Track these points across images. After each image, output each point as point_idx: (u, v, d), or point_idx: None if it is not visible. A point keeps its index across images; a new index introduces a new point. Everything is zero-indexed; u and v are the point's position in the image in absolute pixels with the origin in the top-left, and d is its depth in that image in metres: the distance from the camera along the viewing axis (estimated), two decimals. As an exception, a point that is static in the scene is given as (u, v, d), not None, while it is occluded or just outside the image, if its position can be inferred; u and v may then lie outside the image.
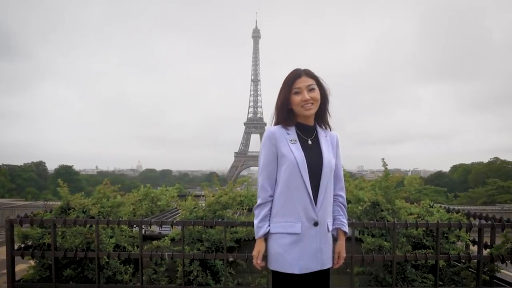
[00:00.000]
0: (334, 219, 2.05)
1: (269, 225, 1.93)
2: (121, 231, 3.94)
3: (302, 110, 1.94)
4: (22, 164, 70.66)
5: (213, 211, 3.82)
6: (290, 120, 1.99)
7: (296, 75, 1.97)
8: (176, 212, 5.65)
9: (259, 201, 1.96)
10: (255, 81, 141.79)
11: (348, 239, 2.46)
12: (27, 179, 65.09)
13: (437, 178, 60.82)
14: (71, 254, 3.50)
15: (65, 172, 68.84)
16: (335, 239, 2.05)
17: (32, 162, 73.39)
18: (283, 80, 2.01)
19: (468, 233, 3.80)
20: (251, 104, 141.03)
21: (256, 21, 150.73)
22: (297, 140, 1.94)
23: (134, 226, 4.12)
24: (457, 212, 4.40)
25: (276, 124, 2.03)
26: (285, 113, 1.97)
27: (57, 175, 69.12)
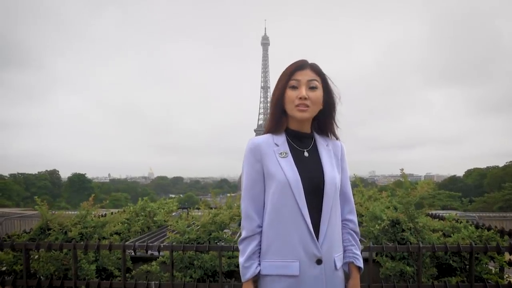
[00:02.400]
0: (344, 251, 1.57)
1: (258, 265, 1.48)
2: (109, 251, 3.51)
3: (294, 110, 1.51)
4: (37, 173, 71.61)
5: (208, 232, 3.34)
6: (279, 125, 1.57)
7: (298, 65, 1.53)
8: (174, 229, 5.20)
9: (244, 234, 1.51)
10: (265, 88, 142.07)
11: (365, 261, 1.87)
12: (41, 187, 65.97)
13: (451, 183, 59.84)
14: (45, 283, 3.06)
15: (78, 180, 69.64)
16: (346, 277, 1.56)
17: (46, 171, 74.39)
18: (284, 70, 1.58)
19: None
20: (261, 111, 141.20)
21: (265, 28, 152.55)
22: (289, 152, 1.52)
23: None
24: (488, 228, 3.84)
25: (268, 130, 1.60)
26: (279, 114, 1.56)
27: (70, 183, 70.05)
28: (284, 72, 1.55)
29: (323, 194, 1.46)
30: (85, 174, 74.13)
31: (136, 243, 3.05)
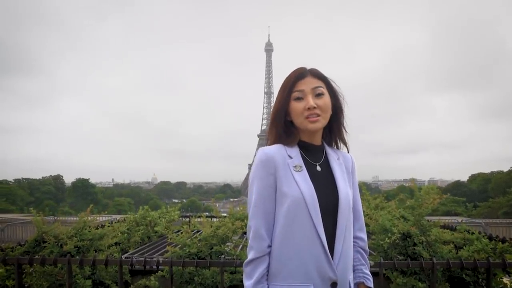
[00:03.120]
0: (354, 270, 1.46)
1: None
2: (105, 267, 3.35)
3: (305, 122, 1.39)
4: (41, 178, 71.85)
5: (209, 246, 3.18)
6: (291, 137, 1.44)
7: (299, 74, 1.42)
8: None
9: (251, 255, 1.35)
10: (268, 93, 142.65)
11: (374, 275, 1.70)
12: (45, 192, 66.19)
13: (455, 188, 59.53)
14: (38, 300, 2.91)
15: (82, 185, 69.77)
16: None
17: (50, 176, 74.66)
18: (284, 79, 1.47)
19: None
20: (265, 116, 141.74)
21: (269, 34, 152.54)
22: (303, 166, 1.39)
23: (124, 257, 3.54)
24: (503, 240, 3.66)
25: (274, 141, 1.47)
26: (283, 126, 1.44)
27: (74, 188, 70.16)
28: (284, 84, 1.44)
29: (337, 213, 1.35)
30: (89, 179, 74.29)
31: (134, 258, 2.90)
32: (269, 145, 1.48)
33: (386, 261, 2.82)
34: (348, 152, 1.55)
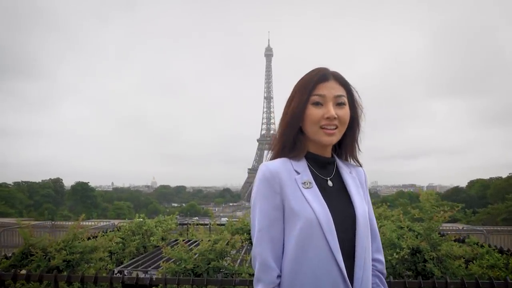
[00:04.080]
0: None
1: None
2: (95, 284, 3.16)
3: (320, 133, 1.20)
4: (40, 181, 71.63)
5: (207, 261, 2.99)
6: (299, 149, 1.25)
7: (320, 76, 1.22)
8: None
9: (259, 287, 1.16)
10: (268, 98, 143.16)
11: None
12: (44, 196, 65.99)
13: (454, 194, 59.77)
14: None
15: (81, 189, 69.67)
16: None
17: (50, 179, 74.48)
18: (297, 82, 1.27)
19: None
20: (264, 121, 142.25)
21: (269, 39, 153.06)
22: (313, 181, 1.20)
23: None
24: None
25: (277, 154, 1.28)
26: (294, 135, 1.24)
27: (74, 192, 69.99)
28: (302, 84, 1.23)
29: (355, 233, 1.17)
30: (88, 182, 74.07)
31: (126, 274, 2.71)
32: (272, 157, 1.30)
33: (396, 280, 2.63)
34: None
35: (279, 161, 1.23)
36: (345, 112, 1.22)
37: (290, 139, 1.24)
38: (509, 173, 54.23)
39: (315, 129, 1.21)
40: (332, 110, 1.18)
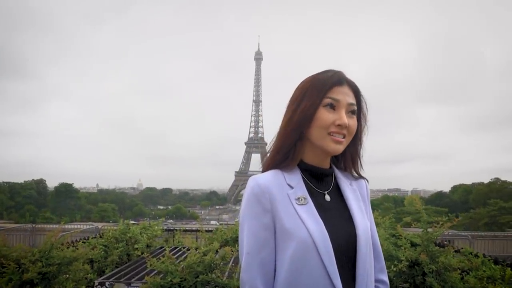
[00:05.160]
0: None
1: None
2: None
3: (327, 140, 1.07)
4: (23, 182, 69.83)
5: (195, 274, 2.96)
6: (292, 158, 1.12)
7: (336, 79, 1.10)
8: (161, 255, 4.81)
9: None
10: (257, 101, 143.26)
11: None
12: (26, 197, 64.29)
13: (437, 198, 60.94)
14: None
15: (65, 190, 68.35)
16: None
17: (33, 180, 72.63)
18: (305, 82, 1.14)
19: None
20: (252, 124, 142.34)
21: (259, 43, 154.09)
22: (308, 197, 1.08)
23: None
24: (511, 265, 3.50)
25: (273, 163, 1.14)
26: (296, 140, 1.11)
27: (57, 193, 68.55)
28: (315, 83, 1.10)
29: (355, 253, 1.05)
30: (73, 184, 72.72)
31: (107, 287, 2.68)
32: (266, 166, 1.16)
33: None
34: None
35: (270, 174, 1.11)
36: (355, 122, 1.11)
37: (292, 143, 1.11)
38: (491, 179, 55.62)
39: (323, 134, 1.07)
40: (344, 118, 1.06)
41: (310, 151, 1.13)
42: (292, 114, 1.10)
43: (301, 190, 1.08)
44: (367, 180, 1.26)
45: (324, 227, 1.02)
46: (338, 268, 1.01)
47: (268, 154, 1.18)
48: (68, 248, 3.63)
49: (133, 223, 6.12)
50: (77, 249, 3.69)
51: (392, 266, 3.01)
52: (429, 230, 3.26)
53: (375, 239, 1.19)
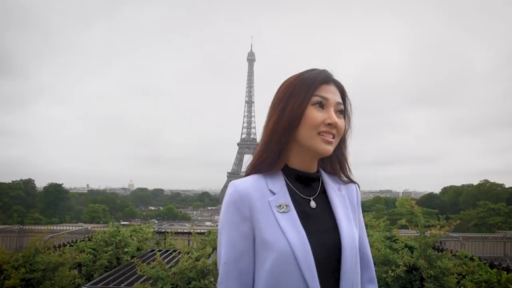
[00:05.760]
0: None
1: None
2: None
3: (317, 140, 1.00)
4: (11, 182, 68.69)
5: (187, 280, 2.87)
6: (275, 162, 1.05)
7: (323, 77, 1.05)
8: (151, 259, 4.70)
9: None
10: (249, 102, 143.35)
11: None
12: (14, 197, 63.22)
13: (428, 200, 61.75)
14: None
15: (54, 191, 67.43)
16: None
17: (21, 180, 71.48)
18: (290, 80, 1.07)
19: None
20: (245, 125, 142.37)
21: (251, 44, 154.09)
22: (291, 204, 1.00)
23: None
24: (507, 270, 3.48)
25: (256, 166, 1.07)
26: (284, 142, 1.03)
27: (46, 193, 67.60)
28: (301, 82, 1.04)
29: (340, 264, 0.99)
30: (62, 184, 71.77)
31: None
32: (249, 170, 1.08)
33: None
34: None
35: (250, 179, 1.04)
36: (343, 122, 1.06)
37: (281, 146, 1.03)
38: (480, 181, 56.59)
39: (312, 134, 1.00)
40: (334, 116, 1.01)
41: (296, 154, 1.06)
42: (281, 114, 1.03)
43: (283, 196, 1.01)
44: (358, 185, 1.18)
45: (305, 237, 0.96)
46: (321, 281, 0.94)
47: (253, 157, 1.10)
48: (54, 252, 3.51)
49: (123, 224, 5.97)
50: (64, 253, 3.56)
51: (390, 271, 2.94)
52: (427, 234, 3.21)
53: (365, 247, 1.13)
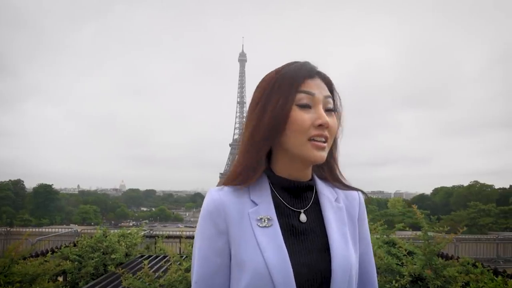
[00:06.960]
0: None
1: None
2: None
3: (308, 147, 0.83)
4: (-1, 182, 67.77)
5: None
6: (257, 169, 0.87)
7: (307, 70, 0.87)
8: (139, 266, 4.51)
9: None
10: (241, 103, 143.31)
11: None
12: (3, 198, 62.36)
13: (420, 201, 62.36)
14: None
15: (44, 191, 66.64)
16: None
17: (10, 180, 70.47)
18: (267, 78, 0.90)
19: None
20: (237, 125, 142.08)
21: (243, 45, 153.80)
22: (274, 218, 0.84)
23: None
24: (511, 276, 3.36)
25: (235, 179, 0.89)
26: (266, 149, 0.87)
27: (35, 194, 66.74)
28: (281, 78, 0.87)
29: None
30: (52, 185, 70.95)
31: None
32: (226, 180, 0.91)
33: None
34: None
35: (229, 189, 0.88)
36: (335, 121, 0.88)
37: (262, 157, 0.87)
38: (470, 182, 57.31)
39: (301, 141, 0.83)
40: (325, 115, 0.83)
41: (283, 160, 0.89)
42: (259, 118, 0.86)
43: (266, 208, 0.85)
44: (363, 192, 0.99)
45: (287, 257, 0.79)
46: None
47: (230, 169, 0.94)
48: (36, 259, 3.31)
49: (113, 228, 5.76)
50: (47, 261, 3.37)
51: (394, 282, 2.80)
52: (431, 241, 3.08)
53: (369, 265, 0.96)
